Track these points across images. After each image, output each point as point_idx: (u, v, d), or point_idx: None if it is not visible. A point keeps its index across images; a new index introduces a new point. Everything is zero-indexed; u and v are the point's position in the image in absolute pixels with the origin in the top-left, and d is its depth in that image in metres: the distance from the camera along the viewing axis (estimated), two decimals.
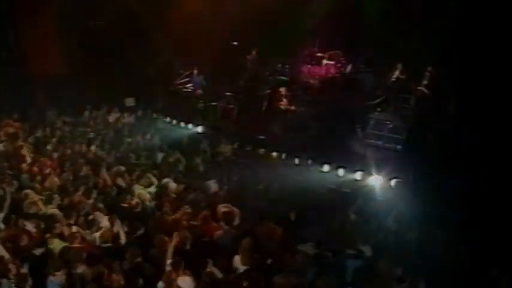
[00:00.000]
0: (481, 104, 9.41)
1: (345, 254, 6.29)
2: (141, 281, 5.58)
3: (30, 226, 6.81)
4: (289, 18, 13.24)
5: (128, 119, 13.75)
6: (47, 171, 9.22)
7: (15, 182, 8.49)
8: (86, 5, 14.85)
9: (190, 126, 13.17)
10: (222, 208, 7.28)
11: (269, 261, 6.02)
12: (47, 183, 8.64)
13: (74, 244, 6.39)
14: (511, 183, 8.28)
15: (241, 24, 13.53)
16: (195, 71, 14.32)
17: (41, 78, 15.05)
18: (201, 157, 10.68)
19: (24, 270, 5.81)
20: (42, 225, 6.84)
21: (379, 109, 11.16)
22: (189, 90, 14.47)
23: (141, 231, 6.83)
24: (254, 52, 13.86)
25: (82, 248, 6.31)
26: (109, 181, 8.83)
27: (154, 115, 14.10)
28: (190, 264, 5.75)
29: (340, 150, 10.59)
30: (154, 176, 9.09)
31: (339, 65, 13.10)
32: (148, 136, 12.11)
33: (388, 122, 10.63)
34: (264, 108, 12.90)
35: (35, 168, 9.26)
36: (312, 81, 13.21)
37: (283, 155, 11.02)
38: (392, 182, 9.43)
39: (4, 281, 5.53)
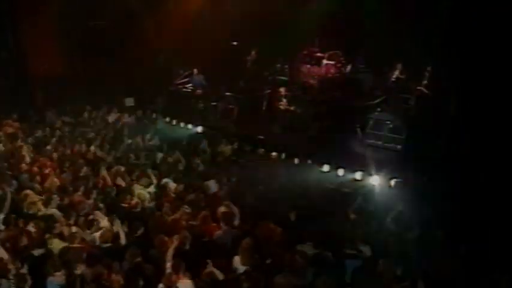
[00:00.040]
0: (481, 104, 9.41)
1: (344, 254, 6.27)
2: (141, 281, 5.55)
3: (29, 226, 6.81)
4: (289, 18, 13.22)
5: (128, 119, 13.72)
6: (47, 171, 9.23)
7: (14, 182, 8.50)
8: (86, 5, 14.89)
9: (190, 126, 13.14)
10: (222, 208, 7.29)
11: (269, 261, 6.02)
12: (46, 184, 8.64)
13: (73, 244, 6.39)
14: (511, 183, 8.27)
15: (241, 24, 13.55)
16: (195, 71, 14.31)
17: (40, 78, 15.07)
18: (201, 157, 10.66)
19: (24, 270, 5.81)
20: (42, 226, 6.84)
21: (379, 109, 11.13)
22: (189, 90, 14.46)
23: (140, 231, 6.83)
24: (254, 52, 13.87)
25: (82, 248, 6.31)
26: (109, 181, 8.83)
27: (154, 115, 14.08)
28: (190, 265, 5.73)
29: (340, 150, 10.58)
30: (154, 176, 9.08)
31: (338, 65, 13.06)
32: (148, 136, 12.08)
33: (388, 122, 10.61)
34: (264, 108, 12.91)
35: (35, 169, 9.26)
36: (311, 81, 13.20)
37: (283, 155, 10.99)
38: (392, 182, 9.41)
39: (4, 281, 5.53)
